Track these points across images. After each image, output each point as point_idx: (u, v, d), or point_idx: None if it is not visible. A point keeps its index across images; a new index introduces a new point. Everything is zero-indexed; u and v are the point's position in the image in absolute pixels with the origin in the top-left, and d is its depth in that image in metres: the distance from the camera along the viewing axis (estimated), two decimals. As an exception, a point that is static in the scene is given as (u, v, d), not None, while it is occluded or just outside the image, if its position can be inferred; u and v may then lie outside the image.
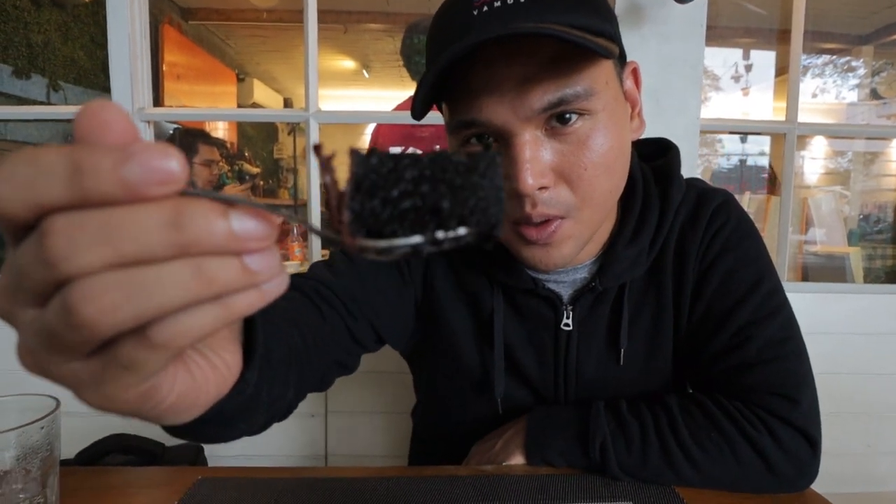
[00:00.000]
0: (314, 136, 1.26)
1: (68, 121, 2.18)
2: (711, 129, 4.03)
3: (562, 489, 0.51)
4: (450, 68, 0.44)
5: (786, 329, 0.54)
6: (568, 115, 0.46)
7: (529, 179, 0.45)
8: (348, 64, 4.48)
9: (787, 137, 1.41)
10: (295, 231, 2.16)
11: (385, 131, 1.86)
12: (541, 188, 0.46)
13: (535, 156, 0.46)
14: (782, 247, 1.44)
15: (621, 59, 0.51)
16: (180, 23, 3.41)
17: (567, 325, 0.58)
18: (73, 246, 0.16)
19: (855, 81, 3.93)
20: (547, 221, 0.48)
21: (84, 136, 0.17)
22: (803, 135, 1.42)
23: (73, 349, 0.17)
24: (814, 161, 3.98)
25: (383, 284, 0.58)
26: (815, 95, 4.09)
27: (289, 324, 0.43)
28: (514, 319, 0.60)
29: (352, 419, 1.15)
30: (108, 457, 0.79)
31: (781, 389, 0.52)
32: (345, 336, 0.53)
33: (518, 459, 0.55)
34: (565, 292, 0.59)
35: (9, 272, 0.17)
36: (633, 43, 1.20)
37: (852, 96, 3.94)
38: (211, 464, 0.99)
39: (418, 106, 0.47)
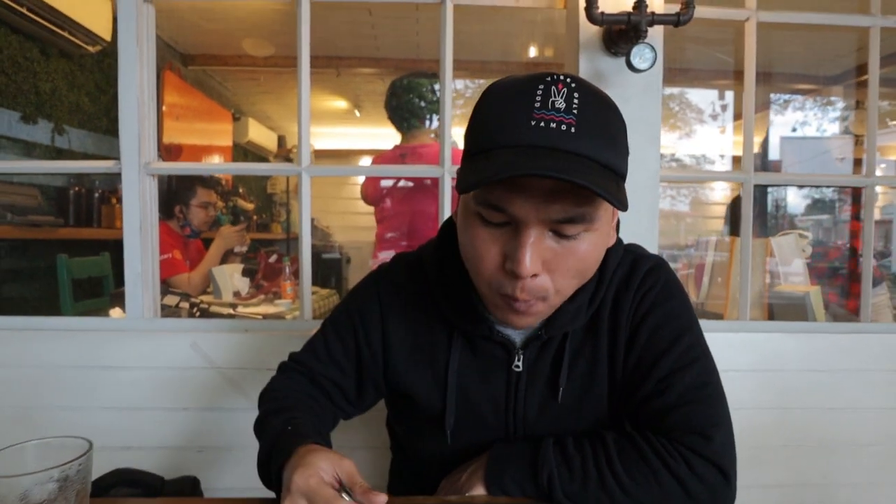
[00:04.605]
0: (307, 189, 1.36)
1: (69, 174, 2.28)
2: (671, 181, 4.16)
3: (513, 514, 0.59)
4: (491, 164, 0.52)
5: (703, 376, 0.64)
6: (571, 234, 0.56)
7: (528, 266, 0.55)
8: (340, 104, 4.65)
9: (744, 187, 1.54)
10: (287, 270, 2.25)
11: (380, 161, 1.98)
12: (533, 275, 0.56)
13: (537, 248, 0.55)
14: (743, 287, 1.54)
15: None
16: (180, 68, 3.57)
17: (517, 366, 0.68)
18: None
19: (835, 114, 4.07)
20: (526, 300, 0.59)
21: None
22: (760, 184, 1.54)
23: None
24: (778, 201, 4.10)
25: (352, 369, 0.75)
26: (794, 129, 4.24)
27: (320, 406, 0.73)
28: (470, 362, 0.70)
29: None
30: (114, 489, 0.87)
31: (698, 428, 0.61)
32: (344, 406, 0.77)
33: (480, 490, 0.64)
34: (518, 339, 0.69)
35: None
36: (597, 106, 1.33)
37: (833, 128, 4.05)
38: (207, 496, 1.06)
39: (467, 187, 0.54)
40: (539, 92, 0.53)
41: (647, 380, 0.65)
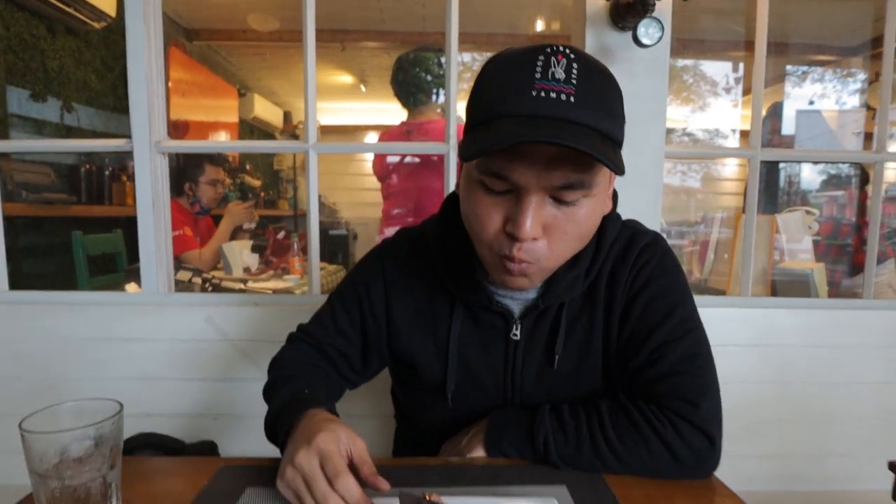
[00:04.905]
0: (314, 166, 1.39)
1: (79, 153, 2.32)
2: (676, 157, 4.08)
3: (512, 475, 0.63)
4: (495, 134, 0.54)
5: (694, 347, 0.67)
6: (571, 199, 0.58)
7: (528, 229, 0.57)
8: (346, 79, 4.62)
9: (750, 163, 1.54)
10: (295, 246, 2.29)
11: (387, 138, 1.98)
12: (533, 238, 0.59)
13: (538, 214, 0.58)
14: (746, 263, 1.56)
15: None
16: (185, 44, 3.56)
17: (515, 335, 0.71)
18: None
19: (855, 87, 3.96)
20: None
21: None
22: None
23: None
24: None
25: (357, 338, 0.79)
26: (811, 102, 4.15)
27: (327, 375, 0.76)
28: (471, 332, 0.73)
29: (346, 421, 1.28)
30: (138, 451, 0.92)
31: (686, 396, 0.64)
32: (350, 375, 0.80)
33: (480, 452, 0.68)
34: (517, 309, 0.72)
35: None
36: (601, 82, 1.33)
37: (853, 101, 3.94)
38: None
39: (470, 156, 0.55)
40: (539, 63, 0.55)
41: (640, 350, 0.68)
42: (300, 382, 0.69)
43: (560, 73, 0.55)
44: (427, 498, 0.46)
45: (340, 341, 0.78)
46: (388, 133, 2.07)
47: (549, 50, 0.56)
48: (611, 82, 0.59)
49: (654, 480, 0.63)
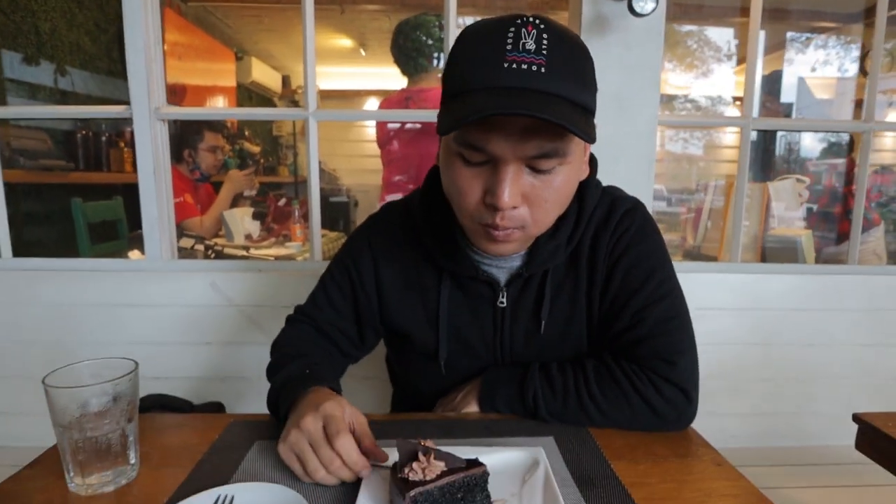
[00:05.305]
0: (314, 133, 1.40)
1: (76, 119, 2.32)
2: (670, 125, 4.03)
3: (503, 428, 0.68)
4: (469, 107, 0.55)
5: (671, 310, 0.71)
6: (546, 168, 0.60)
7: (507, 199, 0.59)
8: (346, 42, 4.54)
9: (742, 132, 1.55)
10: (296, 213, 2.31)
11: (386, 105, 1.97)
12: (512, 207, 0.61)
13: (515, 183, 0.60)
14: (736, 229, 1.59)
15: None
16: (180, 5, 3.49)
17: (502, 302, 0.75)
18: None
19: (857, 54, 3.91)
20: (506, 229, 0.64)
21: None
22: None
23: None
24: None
25: (350, 312, 0.81)
26: (814, 70, 4.10)
27: (328, 354, 0.80)
28: (460, 301, 0.76)
29: (346, 383, 1.34)
30: (148, 412, 0.97)
31: (664, 356, 0.68)
32: (350, 350, 0.83)
33: (473, 408, 0.73)
34: (502, 277, 0.75)
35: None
36: (598, 50, 1.33)
37: (855, 69, 3.92)
38: (230, 419, 1.17)
39: (445, 129, 0.57)
40: (510, 35, 0.56)
41: (621, 315, 0.71)
42: (304, 361, 0.72)
43: (531, 44, 0.56)
44: (423, 443, 0.50)
45: (336, 318, 0.81)
46: (387, 100, 2.06)
47: (519, 21, 0.57)
48: (582, 51, 0.60)
49: (635, 432, 0.68)
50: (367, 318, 0.81)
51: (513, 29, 0.57)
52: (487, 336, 0.77)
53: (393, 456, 0.54)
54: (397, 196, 1.97)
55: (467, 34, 0.61)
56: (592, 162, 0.73)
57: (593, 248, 0.74)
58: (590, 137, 0.57)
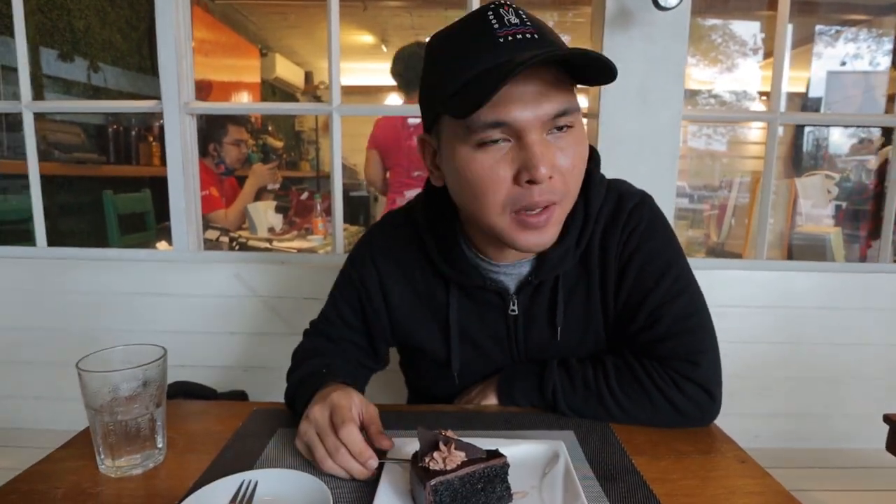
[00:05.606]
0: (337, 128, 1.41)
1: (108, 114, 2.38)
2: (694, 120, 3.96)
3: (523, 421, 0.68)
4: (487, 83, 0.54)
5: (690, 306, 0.69)
6: (566, 123, 0.59)
7: (543, 169, 0.57)
8: (367, 38, 4.56)
9: (769, 127, 1.52)
10: (318, 207, 2.34)
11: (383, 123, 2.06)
12: (549, 178, 0.59)
13: (546, 152, 0.58)
14: (762, 226, 1.56)
15: None
16: (207, 2, 3.55)
17: (513, 310, 0.73)
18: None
19: (889, 47, 3.79)
20: (546, 207, 0.61)
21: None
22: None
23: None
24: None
25: (362, 328, 0.80)
26: (843, 63, 3.99)
27: (346, 360, 0.78)
28: (470, 310, 0.75)
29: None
30: (173, 399, 0.99)
31: (686, 355, 0.67)
32: (366, 362, 0.82)
33: (492, 401, 0.73)
34: (511, 285, 0.73)
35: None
36: (622, 44, 1.31)
37: (886, 62, 3.74)
38: (254, 408, 1.19)
39: (469, 109, 0.56)
40: (491, 17, 0.58)
41: (637, 315, 0.70)
42: (321, 360, 0.73)
43: (514, 19, 0.58)
44: (443, 433, 0.51)
45: (349, 333, 0.80)
46: (382, 122, 2.13)
47: (493, 5, 0.59)
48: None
49: (657, 428, 0.67)
50: (378, 334, 0.80)
51: (491, 12, 0.58)
52: (501, 343, 0.75)
53: (413, 445, 0.55)
54: (401, 195, 2.02)
55: (439, 40, 0.62)
56: (594, 157, 0.71)
57: (603, 247, 0.72)
58: (614, 69, 0.56)
